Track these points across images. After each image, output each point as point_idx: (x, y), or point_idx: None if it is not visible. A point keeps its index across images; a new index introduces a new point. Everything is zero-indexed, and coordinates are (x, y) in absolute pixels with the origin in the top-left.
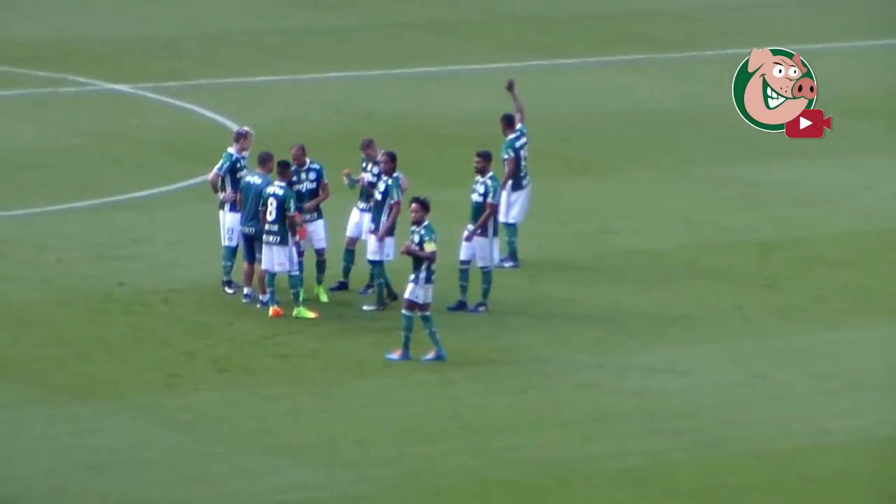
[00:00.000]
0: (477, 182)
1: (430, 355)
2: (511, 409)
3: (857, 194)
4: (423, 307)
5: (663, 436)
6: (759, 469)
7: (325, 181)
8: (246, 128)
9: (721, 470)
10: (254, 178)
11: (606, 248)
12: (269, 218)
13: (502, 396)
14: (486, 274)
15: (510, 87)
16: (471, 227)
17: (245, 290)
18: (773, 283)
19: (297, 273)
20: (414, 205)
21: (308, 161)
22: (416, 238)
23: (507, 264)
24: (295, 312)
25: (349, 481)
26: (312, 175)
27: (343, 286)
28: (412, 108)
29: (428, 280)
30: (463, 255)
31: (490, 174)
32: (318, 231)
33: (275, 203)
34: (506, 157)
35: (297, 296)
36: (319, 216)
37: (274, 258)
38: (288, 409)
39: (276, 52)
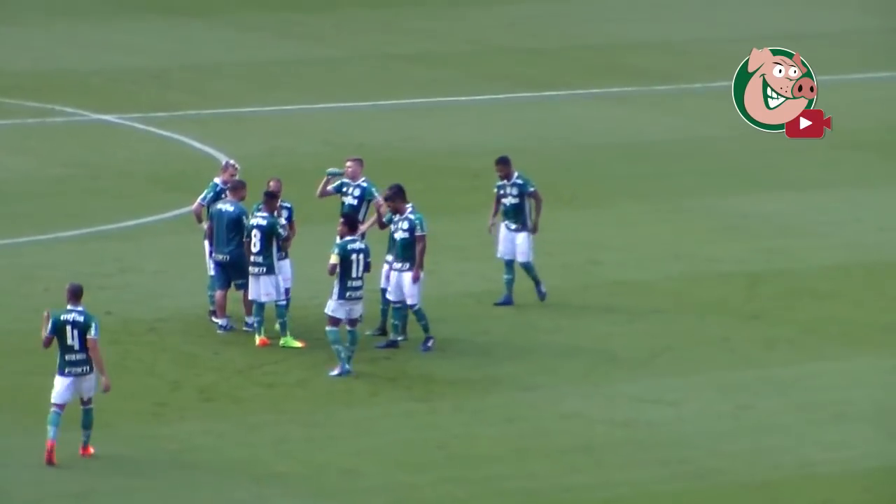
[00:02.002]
0: (398, 220)
1: (335, 370)
2: (497, 438)
3: (844, 227)
4: (350, 322)
5: (650, 466)
6: (746, 500)
7: (293, 219)
8: (231, 160)
9: (708, 500)
10: (226, 206)
11: (594, 279)
12: (254, 249)
13: (489, 426)
14: (418, 311)
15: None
16: (398, 264)
17: (220, 322)
18: (760, 314)
19: (284, 302)
20: (341, 220)
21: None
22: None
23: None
24: (282, 342)
25: None
26: (285, 213)
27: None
28: (401, 140)
29: (340, 296)
30: (393, 297)
31: (409, 208)
32: (283, 270)
33: (258, 234)
34: (532, 188)
35: (284, 325)
36: (285, 256)
37: (261, 288)
38: (274, 438)
39: (265, 83)
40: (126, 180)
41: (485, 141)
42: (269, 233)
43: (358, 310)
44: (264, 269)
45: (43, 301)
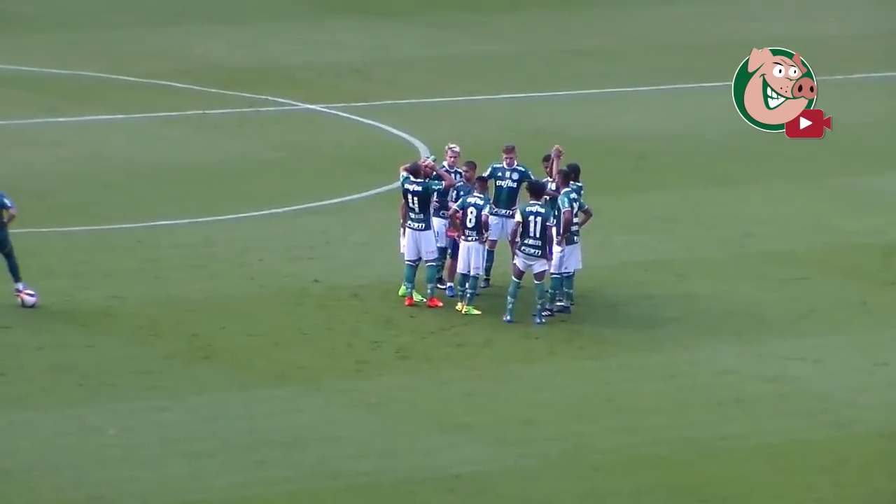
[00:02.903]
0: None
1: (506, 316)
2: (660, 392)
3: None
4: (535, 276)
5: (796, 416)
6: (882, 447)
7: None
8: (452, 144)
9: (847, 447)
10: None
11: (746, 249)
12: (469, 225)
13: (652, 381)
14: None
15: (555, 156)
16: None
17: (449, 285)
18: (895, 281)
19: (478, 275)
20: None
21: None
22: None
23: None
24: (465, 310)
25: (516, 456)
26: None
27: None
28: (574, 126)
29: (517, 249)
30: (554, 270)
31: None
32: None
33: (475, 212)
34: (565, 208)
35: (472, 296)
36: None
37: (471, 260)
38: (462, 392)
39: (453, 75)
40: (331, 162)
41: (648, 127)
42: (480, 211)
43: (537, 266)
44: (476, 243)
45: (258, 270)
